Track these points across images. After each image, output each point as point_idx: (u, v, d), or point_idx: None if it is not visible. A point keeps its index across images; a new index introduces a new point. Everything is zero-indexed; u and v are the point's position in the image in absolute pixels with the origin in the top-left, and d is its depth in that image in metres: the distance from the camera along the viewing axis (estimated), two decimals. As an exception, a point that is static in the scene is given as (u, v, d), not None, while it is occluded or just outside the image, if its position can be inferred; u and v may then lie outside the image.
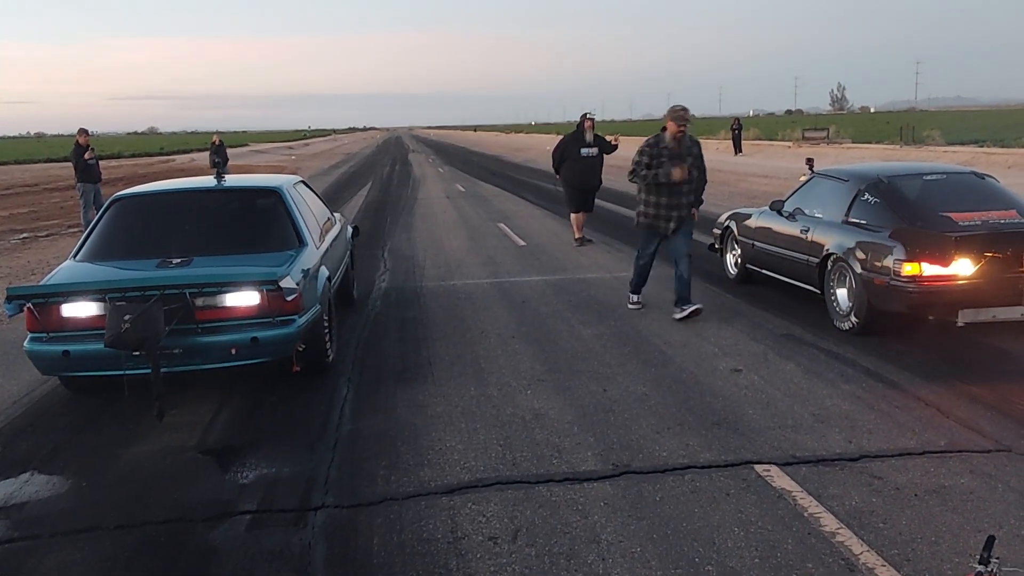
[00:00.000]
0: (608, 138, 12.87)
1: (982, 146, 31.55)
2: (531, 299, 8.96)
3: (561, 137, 13.02)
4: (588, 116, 12.54)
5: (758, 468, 4.46)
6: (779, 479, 4.31)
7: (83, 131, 16.78)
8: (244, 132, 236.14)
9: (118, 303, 5.23)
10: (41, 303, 5.44)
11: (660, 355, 6.67)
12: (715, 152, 43.70)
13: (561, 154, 12.70)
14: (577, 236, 12.84)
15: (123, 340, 5.16)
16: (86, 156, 16.20)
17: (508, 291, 9.46)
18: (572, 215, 12.96)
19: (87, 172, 16.29)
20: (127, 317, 5.13)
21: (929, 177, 7.58)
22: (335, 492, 4.40)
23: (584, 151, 12.45)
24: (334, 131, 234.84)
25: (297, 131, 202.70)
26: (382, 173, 36.77)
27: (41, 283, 5.95)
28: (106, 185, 17.73)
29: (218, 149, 26.22)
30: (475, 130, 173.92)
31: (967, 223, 6.66)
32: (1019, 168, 23.47)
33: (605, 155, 12.69)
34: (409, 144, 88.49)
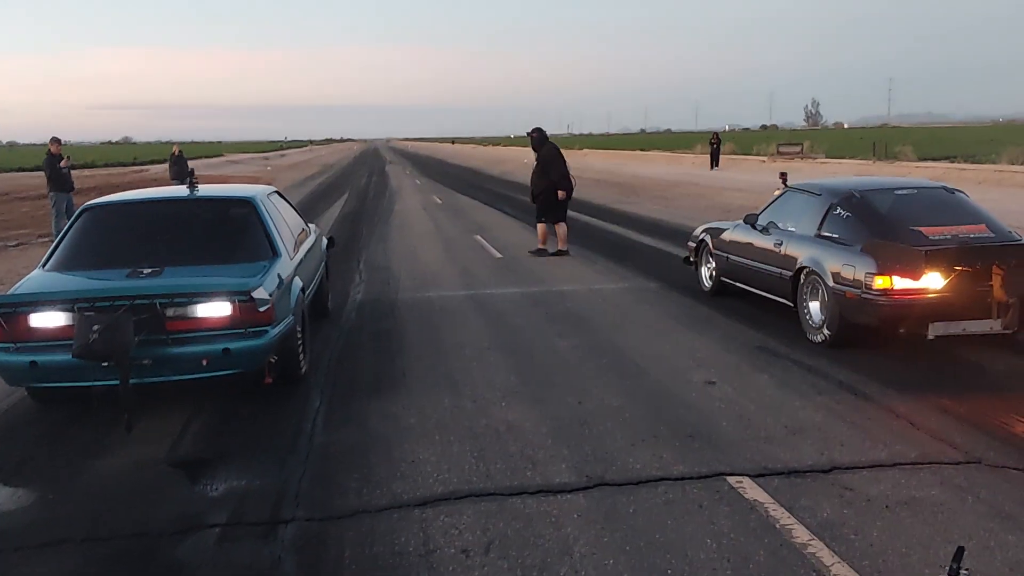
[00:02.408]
0: None
1: (953, 162, 32.02)
2: (507, 311, 8.95)
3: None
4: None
5: (731, 480, 4.47)
6: (752, 491, 4.32)
7: (55, 140, 16.61)
8: (219, 142, 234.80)
9: (87, 313, 5.17)
10: (8, 313, 5.36)
11: (635, 367, 6.67)
12: (691, 166, 44.06)
13: None
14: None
15: (92, 351, 5.09)
16: (61, 165, 16.01)
17: (484, 303, 9.45)
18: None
19: (60, 181, 16.10)
20: (96, 327, 5.06)
21: (900, 192, 7.67)
22: (306, 505, 4.35)
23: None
24: (311, 142, 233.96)
25: (273, 142, 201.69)
26: (359, 184, 36.68)
27: (8, 292, 5.86)
28: (79, 194, 17.55)
29: (178, 160, 24.57)
30: (453, 142, 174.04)
31: (937, 237, 6.74)
32: (989, 183, 23.84)
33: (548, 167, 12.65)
34: (386, 155, 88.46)
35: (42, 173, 17.19)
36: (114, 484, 4.76)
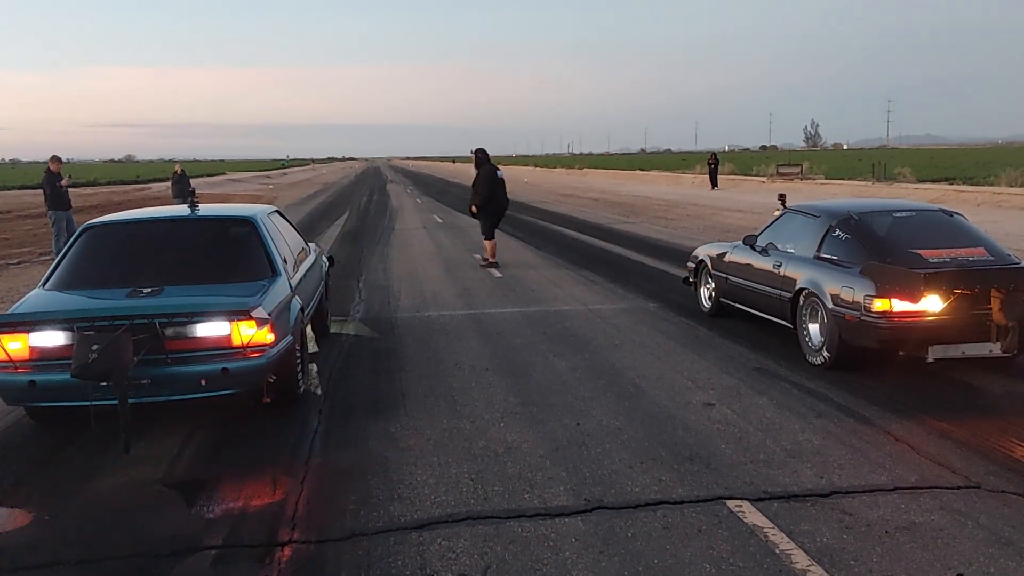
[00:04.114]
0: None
1: (952, 183, 32.08)
2: (506, 331, 8.95)
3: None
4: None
5: (730, 504, 4.45)
6: (751, 515, 4.30)
7: (55, 158, 16.66)
8: (222, 161, 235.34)
9: (86, 333, 5.16)
10: (7, 332, 5.35)
11: (634, 388, 6.66)
12: (691, 186, 44.15)
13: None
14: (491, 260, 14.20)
15: (90, 370, 5.08)
16: (63, 183, 16.04)
17: (483, 323, 9.44)
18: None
19: (59, 200, 16.13)
20: (95, 347, 5.06)
21: (899, 214, 7.69)
22: (302, 527, 4.33)
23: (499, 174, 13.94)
24: (312, 161, 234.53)
25: (275, 160, 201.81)
26: (359, 203, 36.74)
27: (8, 312, 5.86)
28: (80, 213, 17.61)
29: (180, 179, 24.45)
30: (454, 161, 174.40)
31: (936, 260, 6.74)
32: (988, 206, 23.90)
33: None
34: (388, 174, 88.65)
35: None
36: (110, 505, 4.73)
